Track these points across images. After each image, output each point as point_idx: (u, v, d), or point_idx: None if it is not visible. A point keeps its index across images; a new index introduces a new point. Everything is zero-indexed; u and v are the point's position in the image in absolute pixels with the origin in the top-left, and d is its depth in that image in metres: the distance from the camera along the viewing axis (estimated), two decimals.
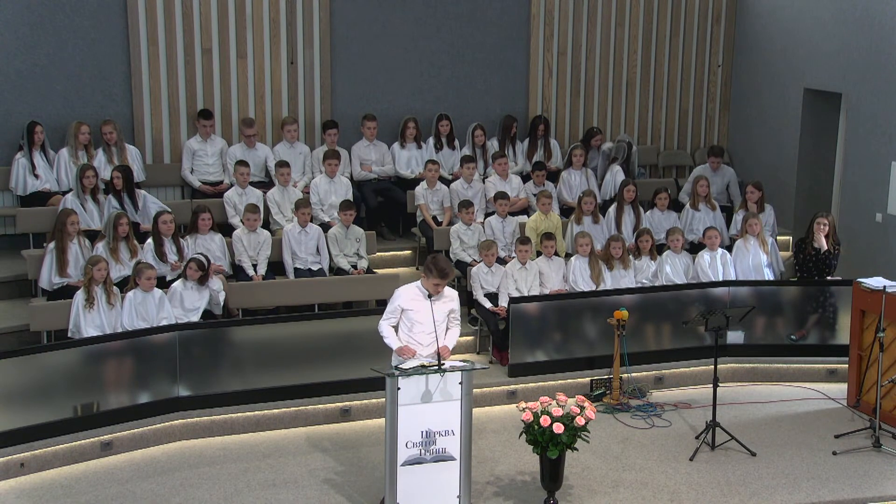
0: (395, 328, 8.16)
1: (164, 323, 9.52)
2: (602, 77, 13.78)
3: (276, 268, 10.89)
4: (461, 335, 10.59)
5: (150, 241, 10.33)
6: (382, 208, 12.30)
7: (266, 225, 11.22)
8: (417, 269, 11.80)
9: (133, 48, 11.87)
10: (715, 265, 11.12)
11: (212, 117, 11.94)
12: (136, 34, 11.85)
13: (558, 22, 13.50)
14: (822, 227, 11.10)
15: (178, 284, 9.84)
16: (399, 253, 11.98)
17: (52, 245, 10.01)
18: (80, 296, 9.41)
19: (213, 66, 12.19)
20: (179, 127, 12.16)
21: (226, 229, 11.08)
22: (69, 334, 9.42)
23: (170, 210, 10.67)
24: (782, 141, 13.34)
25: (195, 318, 9.79)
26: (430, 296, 8.02)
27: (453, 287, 11.15)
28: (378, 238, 11.83)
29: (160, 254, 10.25)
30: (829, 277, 11.12)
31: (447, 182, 12.15)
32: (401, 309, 8.10)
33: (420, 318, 8.04)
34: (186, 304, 9.78)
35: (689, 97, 14.25)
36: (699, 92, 14.28)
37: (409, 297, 8.11)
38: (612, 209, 11.90)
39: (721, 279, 11.03)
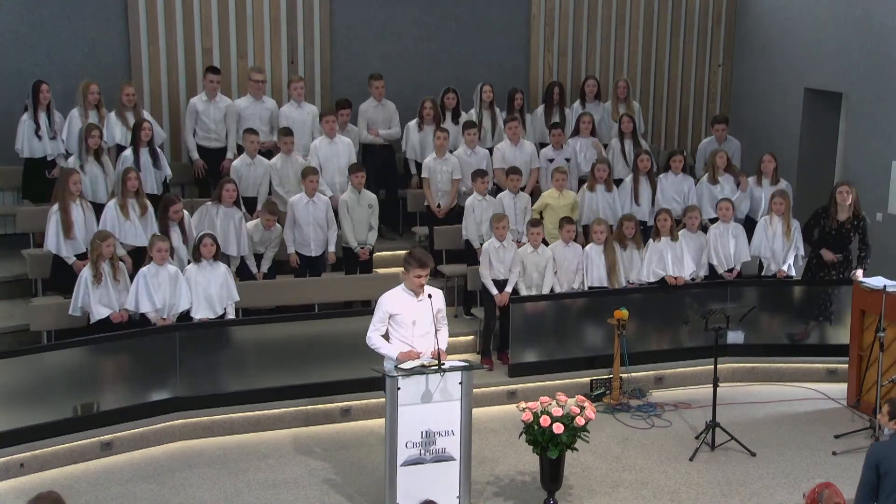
0: (385, 337, 8.08)
1: (181, 309, 9.44)
2: (602, 77, 13.77)
3: (278, 266, 10.85)
4: (461, 335, 10.69)
5: (156, 224, 10.11)
6: (383, 206, 12.06)
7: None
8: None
9: (133, 48, 11.87)
10: (726, 238, 10.89)
11: (219, 73, 11.59)
12: (136, 34, 11.86)
13: (558, 22, 13.50)
14: (843, 194, 10.65)
15: (191, 268, 9.65)
16: (399, 253, 11.92)
17: (55, 207, 9.83)
18: (86, 272, 9.28)
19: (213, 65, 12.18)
20: (179, 127, 12.15)
21: None
22: (70, 312, 9.31)
23: (179, 199, 10.36)
24: (782, 141, 13.34)
25: (219, 305, 9.65)
26: (417, 295, 7.98)
27: (452, 287, 11.22)
28: (378, 238, 11.76)
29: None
30: (861, 262, 10.82)
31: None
32: (388, 315, 8.01)
33: (410, 320, 7.98)
34: (205, 287, 9.57)
35: (689, 97, 14.26)
36: (699, 92, 14.29)
37: (394, 301, 8.02)
38: (628, 180, 11.54)
39: (732, 252, 10.84)
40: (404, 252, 11.74)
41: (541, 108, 12.67)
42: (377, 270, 11.24)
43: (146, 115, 11.32)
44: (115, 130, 11.05)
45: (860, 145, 12.20)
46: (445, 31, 13.00)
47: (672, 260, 10.69)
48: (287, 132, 11.15)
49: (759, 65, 13.76)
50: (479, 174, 11.03)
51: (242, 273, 10.55)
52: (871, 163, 11.97)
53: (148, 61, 11.94)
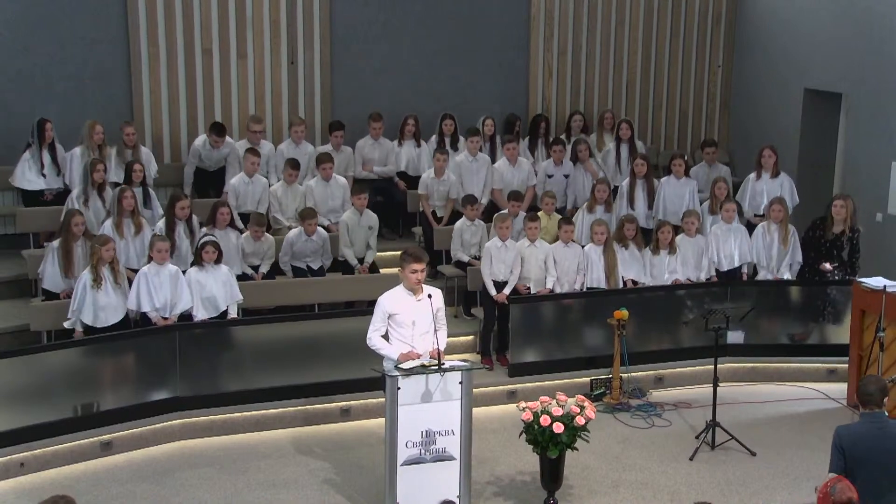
0: (385, 338, 8.08)
1: (182, 309, 9.48)
2: (602, 77, 13.79)
3: (277, 267, 10.85)
4: (461, 335, 10.69)
5: (161, 222, 10.20)
6: (382, 208, 12.23)
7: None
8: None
9: (133, 48, 11.88)
10: (729, 239, 10.94)
11: (224, 134, 11.68)
12: (136, 34, 11.86)
13: (558, 22, 13.50)
14: (838, 207, 10.79)
15: (192, 270, 9.68)
16: (399, 253, 11.92)
17: (56, 243, 9.89)
18: (86, 276, 9.28)
19: (213, 66, 12.20)
20: (179, 127, 12.17)
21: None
22: (69, 315, 9.30)
23: (186, 195, 10.40)
24: (782, 141, 13.32)
25: (223, 303, 9.70)
26: (416, 294, 7.97)
27: (452, 287, 11.23)
28: (378, 238, 11.78)
29: (170, 238, 10.05)
30: (849, 267, 10.90)
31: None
32: (387, 315, 8.00)
33: (410, 320, 7.97)
34: (207, 288, 9.63)
35: (689, 97, 14.26)
36: (699, 92, 14.29)
37: (393, 301, 8.01)
38: (624, 184, 11.66)
39: (735, 252, 10.92)
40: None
41: (526, 140, 12.84)
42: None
43: (144, 152, 11.38)
44: (112, 168, 11.11)
45: (860, 145, 12.20)
46: (445, 31, 13.00)
47: (669, 271, 10.84)
48: (294, 164, 11.28)
49: (759, 65, 13.77)
50: (469, 200, 11.14)
51: (241, 277, 10.56)
52: (871, 163, 11.97)
53: (148, 62, 11.94)
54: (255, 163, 11.16)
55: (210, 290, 9.64)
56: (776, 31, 13.45)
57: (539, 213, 11.29)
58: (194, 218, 10.29)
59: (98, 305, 9.30)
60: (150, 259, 9.50)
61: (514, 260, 10.43)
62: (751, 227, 11.35)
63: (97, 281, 9.26)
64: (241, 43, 12.30)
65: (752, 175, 11.79)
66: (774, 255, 11.01)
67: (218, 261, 9.75)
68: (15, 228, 11.13)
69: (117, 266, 9.45)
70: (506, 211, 10.93)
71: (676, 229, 11.01)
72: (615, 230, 10.94)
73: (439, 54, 13.02)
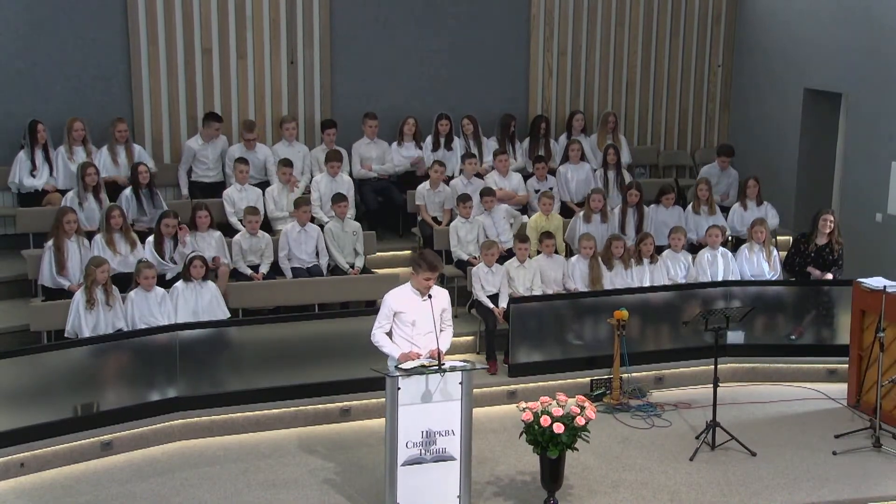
0: (389, 335, 8.10)
1: (162, 322, 9.51)
2: (602, 77, 13.79)
3: (276, 267, 10.86)
4: (461, 335, 10.69)
5: (151, 238, 10.30)
6: (382, 208, 12.26)
7: (264, 223, 11.15)
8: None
9: (133, 48, 11.87)
10: (716, 264, 11.09)
11: (221, 120, 11.80)
12: (136, 34, 11.86)
13: (558, 22, 13.50)
14: (828, 222, 11.05)
15: (179, 285, 9.79)
16: (399, 253, 11.97)
17: (50, 243, 10.00)
18: (80, 297, 9.39)
19: (213, 66, 12.20)
20: (179, 127, 12.16)
21: (224, 228, 11.04)
22: (66, 335, 9.41)
23: (176, 214, 10.50)
24: (782, 141, 13.34)
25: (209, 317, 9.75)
26: (422, 295, 7.99)
27: (452, 288, 11.24)
28: (378, 239, 11.79)
29: (159, 252, 10.21)
30: (833, 275, 11.06)
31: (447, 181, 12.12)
32: (393, 313, 8.03)
33: (414, 319, 7.99)
34: (192, 305, 9.72)
35: (689, 97, 14.25)
36: (699, 92, 14.29)
37: (399, 299, 8.04)
38: (616, 210, 11.84)
39: (722, 277, 11.01)
40: (404, 252, 11.98)
41: (526, 142, 12.96)
42: (377, 271, 11.24)
43: (137, 149, 11.50)
44: (104, 165, 11.23)
45: (860, 145, 12.20)
46: (445, 31, 12.99)
47: (651, 282, 10.96)
48: (287, 163, 11.42)
49: (759, 65, 13.76)
50: (462, 199, 11.32)
51: (240, 277, 10.59)
52: (871, 163, 11.97)
53: (147, 61, 11.94)
54: (245, 171, 11.31)
55: (196, 307, 9.73)
56: (776, 31, 13.45)
57: (535, 217, 11.49)
58: (185, 237, 10.36)
59: (91, 325, 9.36)
60: (137, 284, 9.59)
61: (502, 281, 10.60)
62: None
63: (90, 302, 9.33)
64: (240, 43, 12.30)
65: (737, 204, 12.11)
66: (763, 274, 11.11)
67: (206, 277, 9.83)
68: (15, 228, 11.13)
69: (110, 287, 9.48)
70: (483, 233, 11.19)
71: (661, 249, 11.26)
72: (603, 249, 11.04)
73: (439, 54, 13.02)
